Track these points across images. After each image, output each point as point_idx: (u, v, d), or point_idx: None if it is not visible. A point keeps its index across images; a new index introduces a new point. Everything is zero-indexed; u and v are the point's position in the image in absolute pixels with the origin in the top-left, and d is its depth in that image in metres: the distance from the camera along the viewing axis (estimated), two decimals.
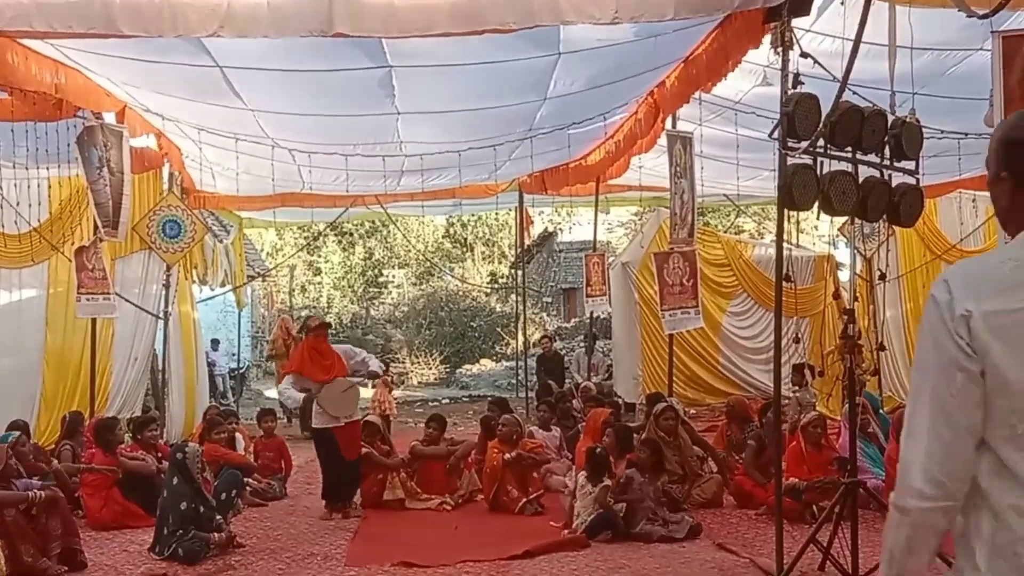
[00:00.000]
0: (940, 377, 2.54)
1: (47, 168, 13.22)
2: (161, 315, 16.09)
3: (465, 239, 47.75)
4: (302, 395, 11.32)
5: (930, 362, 2.58)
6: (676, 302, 13.28)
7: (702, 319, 13.92)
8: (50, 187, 14.02)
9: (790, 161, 7.45)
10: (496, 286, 43.51)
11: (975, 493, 2.56)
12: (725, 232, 26.68)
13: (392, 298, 45.32)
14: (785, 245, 8.09)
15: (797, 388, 14.36)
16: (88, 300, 13.42)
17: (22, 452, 10.42)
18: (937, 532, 2.57)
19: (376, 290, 46.14)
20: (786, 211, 7.80)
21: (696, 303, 13.29)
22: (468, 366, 34.71)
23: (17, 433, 10.83)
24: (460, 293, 41.53)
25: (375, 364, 11.95)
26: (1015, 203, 2.66)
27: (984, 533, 2.53)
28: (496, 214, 41.16)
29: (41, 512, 8.82)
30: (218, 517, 9.86)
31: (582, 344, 23.66)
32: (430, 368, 35.54)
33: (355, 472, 11.57)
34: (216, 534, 9.61)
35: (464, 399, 27.78)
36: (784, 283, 8.09)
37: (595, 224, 19.73)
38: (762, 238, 29.12)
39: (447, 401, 27.56)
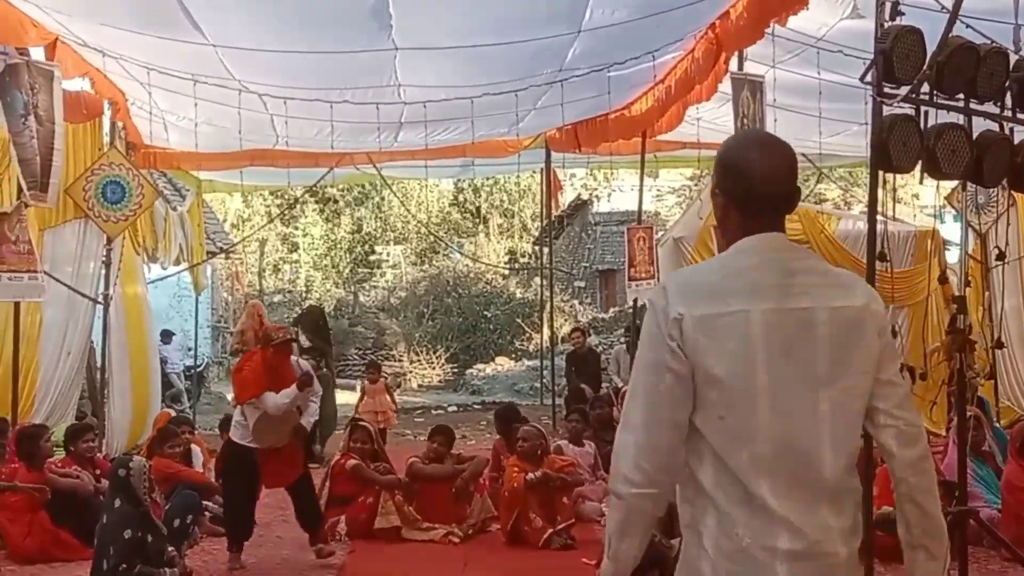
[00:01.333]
0: (652, 376, 3.39)
1: None
2: (100, 299, 16.14)
3: (478, 208, 47.85)
4: (287, 400, 10.60)
5: (645, 361, 3.43)
6: None
7: None
8: None
9: (886, 112, 7.40)
10: (516, 267, 43.51)
11: (694, 481, 3.41)
12: (803, 201, 26.59)
13: (386, 281, 45.44)
14: (879, 217, 8.05)
15: None
16: (10, 279, 13.44)
17: None
18: (646, 516, 3.43)
19: (367, 271, 46.29)
20: (880, 175, 7.75)
21: None
22: (480, 366, 34.77)
23: None
24: (471, 275, 41.57)
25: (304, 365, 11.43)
26: (727, 218, 3.57)
27: (708, 518, 3.36)
28: (517, 178, 41.21)
29: None
30: (170, 548, 9.85)
31: (623, 339, 23.65)
32: (433, 368, 35.61)
33: (311, 502, 11.27)
34: (168, 569, 9.60)
35: (475, 406, 27.85)
36: (878, 263, 8.05)
37: (640, 190, 19.70)
38: (849, 209, 29.06)
39: (454, 409, 27.63)
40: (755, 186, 3.47)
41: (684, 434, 3.39)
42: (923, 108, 7.38)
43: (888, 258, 8.14)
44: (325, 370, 17.42)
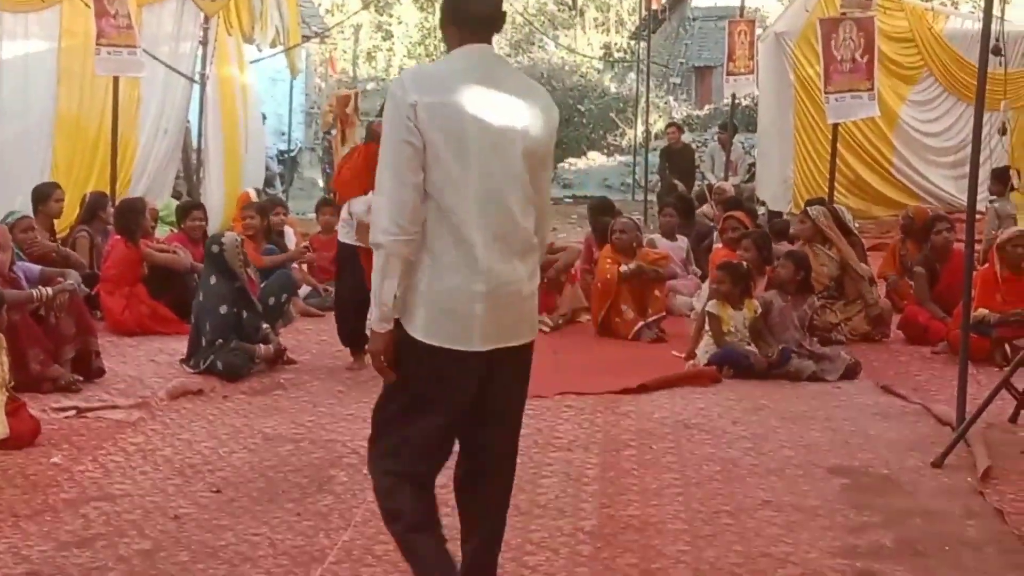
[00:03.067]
0: (396, 149, 4.23)
1: None
2: (196, 78, 16.12)
3: (574, 0, 47.06)
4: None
5: (389, 139, 4.26)
6: (845, 83, 12.95)
7: (877, 107, 13.57)
8: None
9: None
10: (612, 61, 43.00)
11: (425, 230, 4.26)
12: None
13: None
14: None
15: (995, 198, 14.09)
16: (110, 54, 13.43)
17: (23, 238, 10.59)
18: (401, 258, 4.21)
19: None
20: None
21: (871, 85, 12.94)
22: (573, 160, 34.61)
23: (19, 214, 11.01)
24: (566, 68, 41.11)
25: None
26: (448, 33, 4.47)
27: (424, 259, 4.27)
28: None
29: (51, 311, 9.00)
30: (265, 326, 9.97)
31: (717, 137, 23.36)
32: None
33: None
34: (262, 346, 9.73)
35: (567, 200, 27.80)
36: (992, 57, 7.78)
37: None
38: (957, 8, 28.22)
39: None
40: (466, 7, 4.41)
41: (422, 193, 4.24)
42: None
43: (1003, 51, 7.86)
44: None
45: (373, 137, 10.10)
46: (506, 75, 4.49)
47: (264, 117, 26.25)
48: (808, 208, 12.06)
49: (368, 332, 4.46)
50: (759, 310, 10.14)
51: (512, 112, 4.35)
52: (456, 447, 4.62)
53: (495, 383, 4.43)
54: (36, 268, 9.64)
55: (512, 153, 4.33)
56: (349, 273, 9.79)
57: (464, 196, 4.25)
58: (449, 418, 4.42)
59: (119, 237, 11.36)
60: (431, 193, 4.25)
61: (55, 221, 12.28)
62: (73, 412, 8.22)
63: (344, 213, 10.03)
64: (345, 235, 9.91)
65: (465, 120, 4.25)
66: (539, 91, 4.62)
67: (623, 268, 11.42)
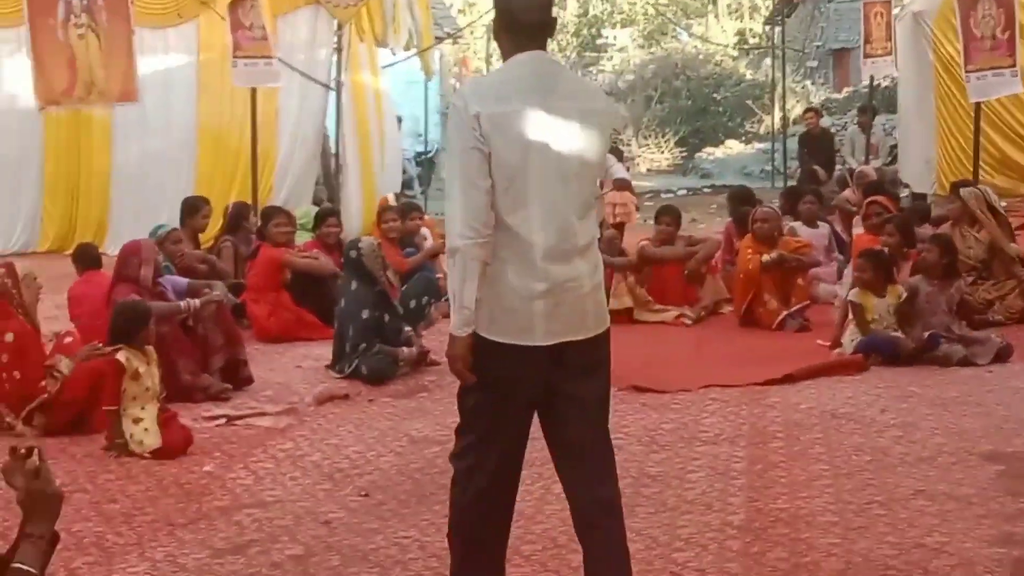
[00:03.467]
0: (464, 157, 4.43)
1: None
2: (332, 85, 16.31)
3: None
4: None
5: (456, 148, 4.48)
6: (985, 61, 12.78)
7: (1020, 83, 13.30)
8: None
9: None
10: (746, 48, 42.63)
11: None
12: None
13: (614, 64, 45.00)
14: None
15: None
16: (246, 65, 13.67)
17: (173, 250, 10.80)
18: (478, 260, 4.39)
19: (593, 55, 45.92)
20: None
21: (1013, 62, 12.73)
22: (710, 149, 34.45)
23: (168, 227, 11.24)
24: (700, 57, 40.95)
25: (620, 171, 10.43)
26: (502, 42, 4.69)
27: (494, 267, 4.45)
28: None
29: (199, 322, 9.18)
30: (407, 328, 10.06)
31: (857, 120, 23.02)
32: (662, 152, 35.42)
33: None
34: (405, 348, 9.80)
35: (705, 190, 27.69)
36: None
37: None
38: None
39: (683, 192, 27.51)
40: (516, 19, 4.61)
41: (491, 197, 4.42)
42: None
43: None
44: None
45: None
46: (562, 80, 4.70)
47: (400, 120, 26.48)
48: (960, 189, 11.84)
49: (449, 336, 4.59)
50: (903, 295, 9.97)
51: (570, 116, 4.54)
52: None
53: (565, 377, 4.58)
54: (183, 281, 9.84)
55: (571, 160, 4.52)
56: None
57: (524, 202, 4.46)
58: (518, 411, 4.61)
59: (263, 245, 11.57)
60: (494, 200, 4.45)
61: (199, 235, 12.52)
62: (223, 420, 8.39)
63: None
64: None
65: (526, 128, 4.45)
66: (596, 92, 5.14)
67: (765, 258, 11.31)
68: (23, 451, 3.92)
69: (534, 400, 4.61)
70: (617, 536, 4.64)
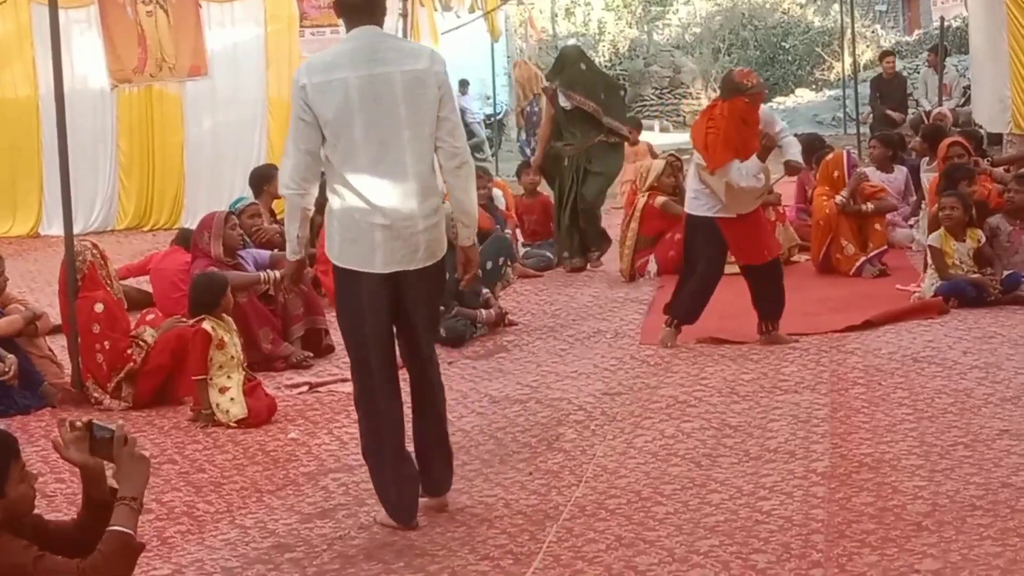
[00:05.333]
0: (293, 123, 5.51)
1: None
2: None
3: None
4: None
5: (293, 114, 5.51)
6: None
7: None
8: None
9: None
10: None
11: (330, 186, 5.57)
12: None
13: (680, 18, 44.63)
14: None
15: None
16: (313, 34, 13.73)
17: (249, 224, 10.82)
18: (299, 207, 5.59)
19: (660, 8, 45.49)
20: None
21: None
22: (780, 98, 34.09)
23: (247, 199, 11.28)
24: (767, 6, 40.59)
25: (795, 149, 9.19)
26: (342, 21, 5.72)
27: (335, 207, 5.55)
28: None
29: (279, 291, 9.27)
30: (484, 291, 10.12)
31: (927, 60, 22.72)
32: None
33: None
34: (483, 311, 9.90)
35: None
36: None
37: None
38: None
39: None
40: (345, 1, 5.56)
41: (316, 158, 5.51)
42: None
43: None
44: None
45: (724, 92, 8.75)
46: (386, 48, 5.55)
47: (467, 83, 26.46)
48: None
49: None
50: (983, 239, 9.87)
51: (389, 67, 5.44)
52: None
53: (406, 298, 5.61)
54: (266, 253, 9.90)
55: (398, 114, 5.44)
56: (706, 245, 8.98)
57: (353, 154, 5.44)
58: (374, 320, 5.58)
59: None
60: (329, 153, 5.50)
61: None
62: (306, 388, 8.50)
63: (694, 183, 8.95)
64: (698, 207, 8.91)
65: (350, 91, 5.39)
66: (420, 49, 6.17)
67: (838, 199, 11.21)
68: (79, 424, 4.09)
69: (385, 317, 5.61)
70: (438, 432, 5.90)
